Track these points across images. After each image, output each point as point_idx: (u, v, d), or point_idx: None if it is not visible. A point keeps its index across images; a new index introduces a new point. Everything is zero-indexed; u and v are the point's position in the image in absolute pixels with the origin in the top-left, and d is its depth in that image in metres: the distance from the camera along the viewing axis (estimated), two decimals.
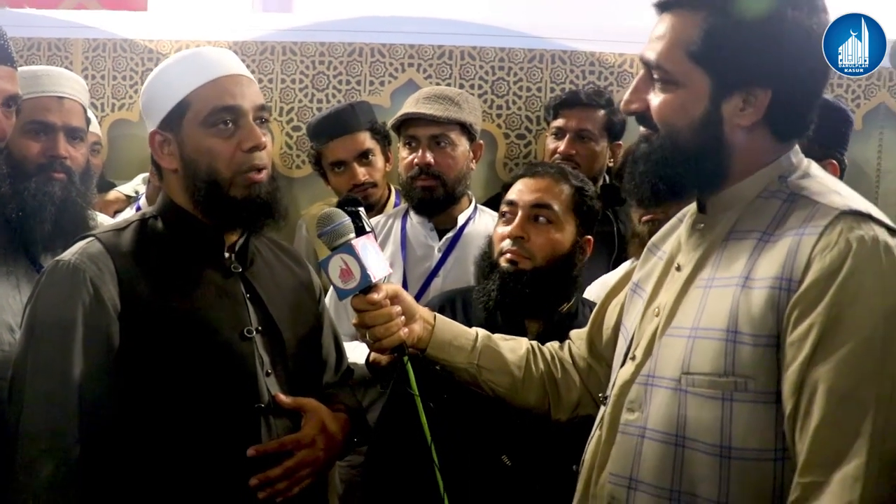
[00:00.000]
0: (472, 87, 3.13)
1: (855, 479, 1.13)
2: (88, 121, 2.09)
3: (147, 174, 2.94)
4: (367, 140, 2.76)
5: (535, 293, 1.91)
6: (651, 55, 1.35)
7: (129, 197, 2.97)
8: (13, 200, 1.90)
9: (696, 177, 1.36)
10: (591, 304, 2.00)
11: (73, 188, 1.97)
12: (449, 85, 3.07)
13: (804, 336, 1.19)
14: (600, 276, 2.44)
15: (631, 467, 1.35)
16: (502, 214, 2.01)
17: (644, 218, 2.22)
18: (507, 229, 1.96)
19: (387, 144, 2.82)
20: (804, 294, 1.21)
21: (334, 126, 2.76)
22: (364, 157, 2.75)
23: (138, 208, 2.81)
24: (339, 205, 1.78)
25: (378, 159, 2.79)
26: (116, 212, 2.86)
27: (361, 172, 2.74)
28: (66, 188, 1.96)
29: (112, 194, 2.96)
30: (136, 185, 3.02)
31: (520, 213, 1.95)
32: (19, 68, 1.91)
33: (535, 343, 1.83)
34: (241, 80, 1.64)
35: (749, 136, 1.33)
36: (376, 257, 1.66)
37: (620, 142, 2.88)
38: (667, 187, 1.37)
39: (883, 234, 1.22)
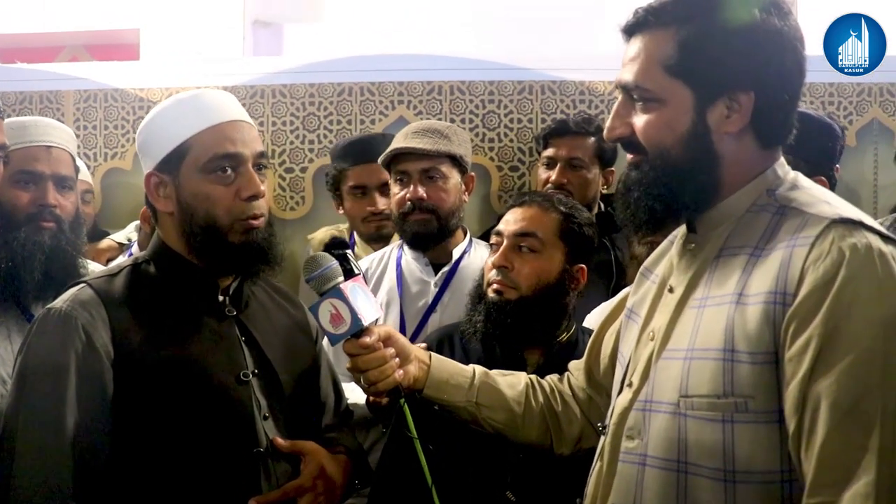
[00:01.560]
0: (462, 121, 3.14)
1: (866, 497, 1.10)
2: (77, 169, 2.09)
3: (139, 222, 2.94)
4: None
5: (520, 323, 1.89)
6: (628, 77, 1.35)
7: (121, 245, 2.97)
8: (3, 250, 1.90)
9: (692, 192, 1.34)
10: (591, 333, 1.98)
11: (62, 237, 1.97)
12: (440, 120, 3.08)
13: (803, 350, 1.17)
14: (599, 304, 2.42)
15: (633, 497, 1.31)
16: (492, 246, 2.00)
17: (644, 239, 2.20)
18: (493, 259, 1.95)
19: None
20: (799, 307, 1.18)
21: (363, 151, 2.78)
22: (385, 187, 2.75)
23: (130, 255, 2.80)
24: (326, 248, 1.77)
25: None
26: (109, 260, 2.85)
27: (382, 201, 2.75)
28: (56, 237, 1.96)
29: (105, 242, 2.96)
30: (129, 232, 3.02)
31: (504, 243, 1.94)
32: (7, 120, 1.94)
33: (534, 377, 1.81)
34: (242, 127, 1.63)
35: (737, 145, 1.33)
36: (366, 300, 1.64)
37: (613, 168, 2.88)
38: (664, 207, 1.36)
39: (876, 241, 1.20)
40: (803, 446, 1.16)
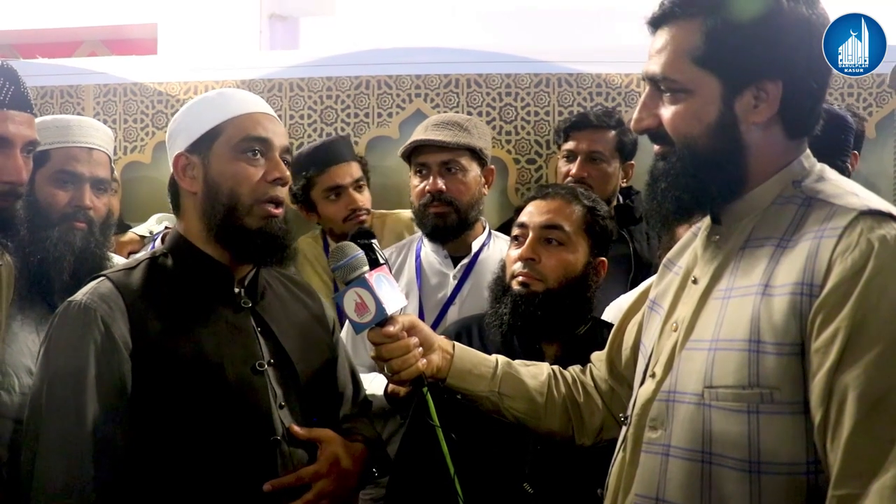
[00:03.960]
0: (479, 114, 3.14)
1: (893, 489, 1.09)
2: (113, 169, 2.13)
3: (161, 214, 2.96)
4: (358, 169, 2.82)
5: (547, 316, 1.89)
6: (656, 68, 1.34)
7: (143, 237, 2.98)
8: (34, 248, 1.93)
9: (719, 183, 1.34)
10: (609, 326, 1.97)
11: (92, 238, 2.01)
12: (457, 113, 3.07)
13: (830, 342, 1.16)
14: (617, 297, 2.41)
15: (657, 487, 1.31)
16: (514, 238, 1.99)
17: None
18: (518, 252, 1.94)
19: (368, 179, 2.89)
20: (827, 298, 1.17)
21: (332, 154, 2.80)
22: (358, 183, 2.80)
23: (153, 248, 2.82)
24: (352, 238, 1.77)
25: (366, 190, 2.84)
26: (131, 252, 2.87)
27: (359, 198, 2.78)
28: (86, 238, 2.00)
29: (127, 235, 2.97)
30: (150, 225, 3.03)
31: (531, 235, 1.93)
32: (50, 117, 2.01)
33: (556, 367, 1.80)
34: (274, 120, 1.71)
35: (764, 135, 1.32)
36: (391, 290, 1.65)
37: (632, 161, 2.87)
38: (691, 198, 1.35)
39: None
40: (829, 438, 1.16)
